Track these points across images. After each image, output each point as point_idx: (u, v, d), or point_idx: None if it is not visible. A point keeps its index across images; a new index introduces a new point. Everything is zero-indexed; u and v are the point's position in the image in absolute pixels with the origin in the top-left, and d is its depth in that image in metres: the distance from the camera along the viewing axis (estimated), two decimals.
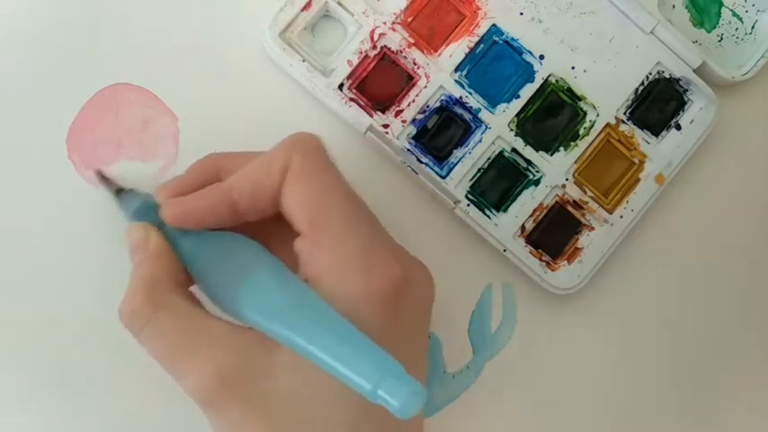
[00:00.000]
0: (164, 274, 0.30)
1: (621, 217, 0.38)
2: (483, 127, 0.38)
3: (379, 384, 0.25)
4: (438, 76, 0.37)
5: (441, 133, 0.37)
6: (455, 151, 0.37)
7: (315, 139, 0.31)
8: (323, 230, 0.29)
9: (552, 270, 0.38)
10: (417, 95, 0.37)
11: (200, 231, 0.31)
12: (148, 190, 0.33)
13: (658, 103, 0.39)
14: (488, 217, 0.38)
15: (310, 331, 0.27)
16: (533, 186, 0.38)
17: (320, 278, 0.29)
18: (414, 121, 0.37)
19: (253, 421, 0.28)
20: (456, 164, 0.37)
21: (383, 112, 0.37)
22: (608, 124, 0.38)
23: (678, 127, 0.39)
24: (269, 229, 0.31)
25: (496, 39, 0.38)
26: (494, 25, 0.38)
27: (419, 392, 0.25)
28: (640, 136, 0.39)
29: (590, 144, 0.38)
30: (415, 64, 0.37)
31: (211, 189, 0.30)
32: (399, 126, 0.37)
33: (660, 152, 0.39)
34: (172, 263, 0.30)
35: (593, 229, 0.39)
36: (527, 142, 0.38)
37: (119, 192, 0.34)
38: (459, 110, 0.38)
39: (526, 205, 0.38)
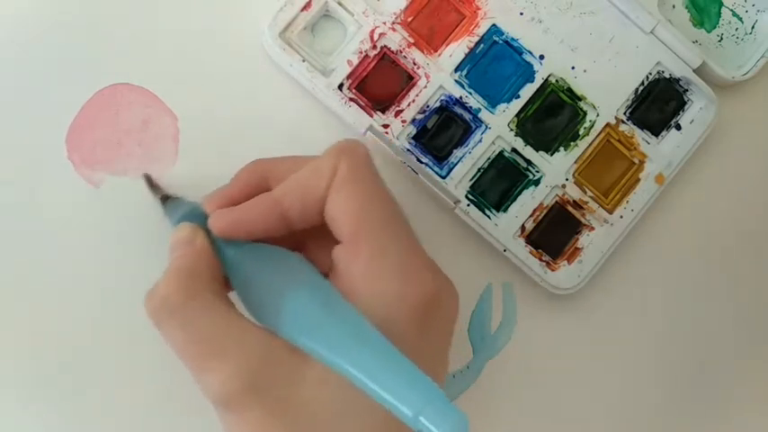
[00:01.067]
0: (203, 270, 0.29)
1: (621, 217, 0.38)
2: (483, 127, 0.38)
3: (421, 411, 0.24)
4: (438, 76, 0.37)
5: (441, 133, 0.37)
6: (455, 151, 0.37)
7: (361, 147, 0.30)
8: (363, 240, 0.29)
9: (552, 270, 0.38)
10: (417, 95, 0.37)
11: (244, 242, 0.30)
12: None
13: (658, 103, 0.39)
14: (488, 217, 0.38)
15: (352, 354, 0.26)
16: (533, 186, 0.38)
17: (357, 288, 0.29)
18: (414, 121, 0.37)
19: (273, 426, 0.27)
20: (456, 164, 0.37)
21: (383, 112, 0.37)
22: (608, 124, 0.38)
23: (678, 127, 0.39)
24: (307, 235, 0.31)
25: (496, 39, 0.38)
26: (494, 25, 0.38)
27: (463, 422, 0.24)
28: (640, 136, 0.39)
29: (590, 144, 0.38)
30: (414, 64, 0.37)
31: (261, 200, 0.30)
32: (399, 126, 0.37)
33: (660, 152, 0.39)
34: (214, 264, 0.30)
35: (593, 229, 0.39)
36: (527, 142, 0.38)
37: (165, 199, 0.33)
38: (459, 110, 0.38)
39: (526, 205, 0.38)
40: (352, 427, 0.28)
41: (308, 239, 0.32)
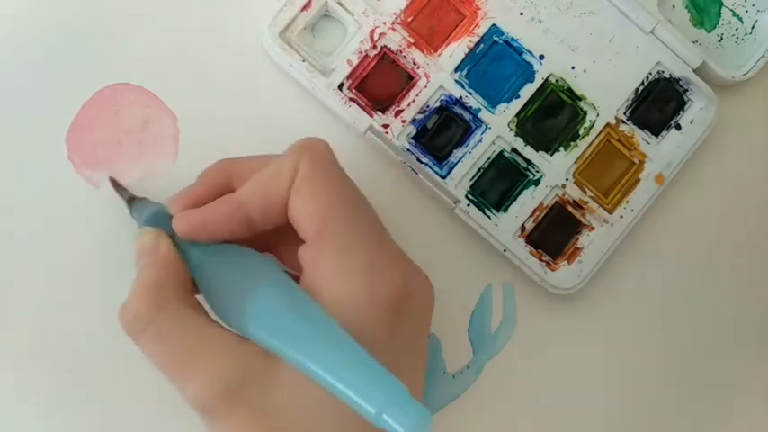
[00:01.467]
0: (171, 280, 0.29)
1: (621, 217, 0.38)
2: (483, 127, 0.38)
3: (385, 409, 0.25)
4: (438, 76, 0.37)
5: (441, 133, 0.37)
6: (455, 151, 0.37)
7: (322, 144, 0.30)
8: (327, 239, 0.29)
9: (552, 270, 0.38)
10: (417, 95, 0.37)
11: (209, 243, 0.30)
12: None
13: (658, 103, 0.39)
14: (488, 217, 0.38)
15: (316, 352, 0.26)
16: (533, 186, 0.38)
17: (323, 288, 0.29)
18: (414, 121, 0.37)
19: (253, 430, 0.27)
20: (456, 164, 0.37)
21: (383, 112, 0.37)
22: (608, 124, 0.38)
23: (678, 127, 0.39)
24: (276, 236, 0.31)
25: (496, 39, 0.38)
26: (494, 25, 0.38)
27: (426, 419, 0.25)
28: (640, 136, 0.39)
29: (590, 144, 0.38)
30: (414, 64, 0.37)
31: (223, 202, 0.30)
32: (399, 126, 0.37)
33: (660, 152, 0.39)
34: (180, 271, 0.30)
35: (593, 229, 0.39)
36: (527, 142, 0.38)
37: (131, 200, 0.34)
38: (459, 110, 0.38)
39: (526, 205, 0.38)
40: (328, 423, 0.28)
41: (277, 240, 0.31)
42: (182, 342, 0.28)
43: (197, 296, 0.31)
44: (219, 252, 0.30)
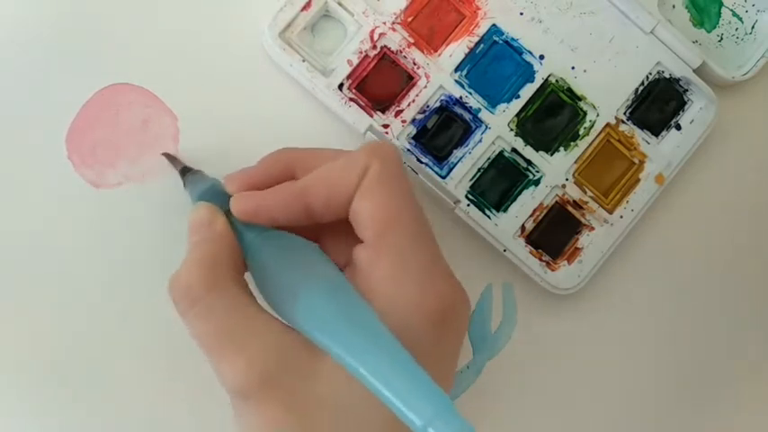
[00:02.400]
0: (225, 258, 0.29)
1: (621, 217, 0.38)
2: (483, 127, 0.38)
3: (431, 422, 0.24)
4: (438, 76, 0.37)
5: (441, 133, 0.37)
6: (455, 151, 0.37)
7: (394, 150, 0.30)
8: (387, 245, 0.29)
9: (552, 270, 0.38)
10: (417, 95, 0.37)
11: (264, 228, 0.30)
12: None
13: (658, 103, 0.39)
14: (488, 217, 0.38)
15: (365, 355, 0.26)
16: (533, 186, 0.38)
17: (377, 290, 0.29)
18: (414, 121, 0.37)
19: (287, 421, 0.27)
20: (456, 164, 0.37)
21: (383, 112, 0.37)
22: (608, 124, 0.38)
23: (678, 127, 0.39)
24: (326, 225, 0.31)
25: (496, 39, 0.38)
26: (494, 25, 0.38)
27: None
28: (640, 136, 0.39)
29: (590, 144, 0.38)
30: (414, 64, 0.37)
31: (286, 187, 0.30)
32: (399, 126, 0.37)
33: (660, 152, 0.39)
34: (235, 249, 0.30)
35: (593, 229, 0.39)
36: (527, 142, 0.38)
37: (185, 171, 0.33)
38: (459, 110, 0.38)
39: (526, 205, 0.38)
40: (363, 420, 0.27)
41: (325, 231, 0.31)
42: (227, 322, 0.28)
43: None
44: (274, 238, 0.30)
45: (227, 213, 0.30)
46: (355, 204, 0.29)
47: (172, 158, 0.35)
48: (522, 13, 0.38)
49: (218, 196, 0.31)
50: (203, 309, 0.28)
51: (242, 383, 0.27)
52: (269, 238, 0.30)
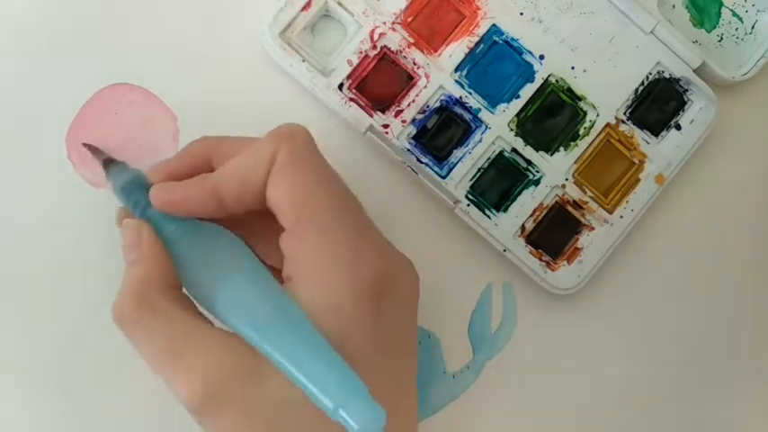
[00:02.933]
0: (155, 276, 0.29)
1: (621, 217, 0.38)
2: (483, 127, 0.38)
3: (342, 404, 0.25)
4: (438, 76, 0.37)
5: (441, 133, 0.37)
6: (455, 151, 0.37)
7: (301, 131, 0.30)
8: (308, 227, 0.29)
9: (552, 270, 0.38)
10: (417, 95, 0.37)
11: (184, 220, 0.30)
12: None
13: (658, 103, 0.39)
14: (488, 217, 0.38)
15: (280, 341, 0.27)
16: (533, 186, 0.38)
17: (305, 275, 0.29)
18: (414, 121, 0.37)
19: (243, 426, 0.27)
20: (456, 164, 0.37)
21: (383, 112, 0.37)
22: (608, 124, 0.38)
23: (678, 127, 0.39)
24: (255, 223, 0.31)
25: (496, 39, 0.38)
26: (494, 25, 0.38)
27: (379, 418, 0.25)
28: (640, 136, 0.39)
29: (590, 144, 0.38)
30: (414, 64, 0.37)
31: (199, 181, 0.30)
32: (399, 126, 0.37)
33: (660, 152, 0.39)
34: (164, 265, 0.30)
35: (593, 229, 0.39)
36: (527, 142, 0.38)
37: (107, 163, 0.33)
38: (459, 110, 0.38)
39: (526, 205, 0.38)
40: (319, 416, 0.27)
41: (253, 225, 0.31)
42: (167, 341, 0.28)
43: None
44: (194, 229, 0.30)
45: (149, 206, 0.31)
46: (269, 193, 0.29)
47: (94, 149, 0.34)
48: (522, 13, 0.38)
49: (140, 188, 0.31)
50: (141, 332, 0.29)
51: (192, 398, 0.27)
52: (189, 229, 0.30)
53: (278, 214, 0.29)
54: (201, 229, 0.30)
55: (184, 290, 0.30)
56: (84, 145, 0.35)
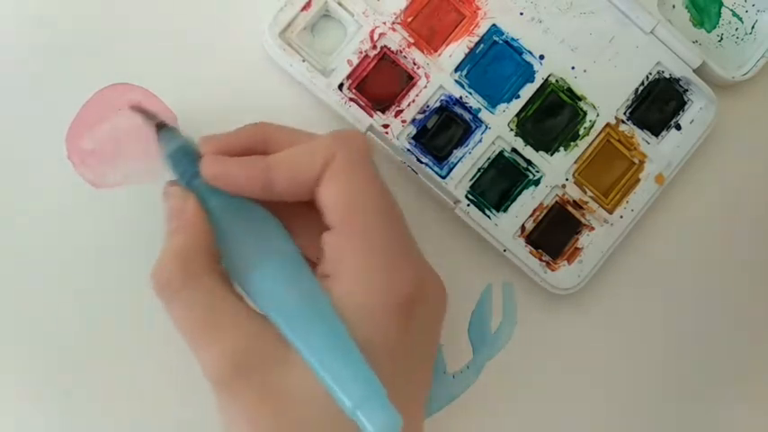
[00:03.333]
0: (198, 247, 0.30)
1: (621, 217, 0.38)
2: (483, 127, 0.38)
3: (360, 405, 0.26)
4: (438, 76, 0.37)
5: (441, 133, 0.37)
6: (455, 151, 0.37)
7: (361, 138, 0.31)
8: (354, 229, 0.29)
9: (552, 270, 0.38)
10: (417, 95, 0.37)
11: (230, 195, 0.31)
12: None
13: (658, 103, 0.39)
14: (488, 217, 0.38)
15: (307, 335, 0.27)
16: (533, 186, 0.38)
17: (341, 277, 0.29)
18: (414, 121, 0.37)
19: (261, 409, 0.28)
20: (456, 164, 0.37)
21: (383, 112, 0.37)
22: (608, 124, 0.38)
23: (678, 127, 0.39)
24: (298, 211, 0.31)
25: (496, 39, 0.38)
26: (494, 25, 0.38)
27: (396, 423, 0.25)
28: (640, 136, 0.39)
29: (590, 144, 0.38)
30: (414, 64, 0.37)
31: (254, 161, 0.30)
32: (399, 126, 0.37)
33: (660, 152, 0.39)
34: (208, 238, 0.30)
35: (593, 229, 0.39)
36: (527, 142, 0.38)
37: (159, 127, 0.33)
38: (459, 110, 0.38)
39: (526, 205, 0.38)
40: (333, 411, 0.28)
41: (295, 215, 0.31)
42: (204, 312, 0.29)
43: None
44: (238, 206, 0.30)
45: (196, 176, 0.31)
46: (321, 191, 0.30)
47: (144, 111, 0.34)
48: (522, 13, 0.38)
49: (189, 156, 0.31)
50: (181, 301, 0.29)
51: (217, 372, 0.28)
52: (232, 205, 0.30)
53: (325, 212, 0.30)
54: (245, 207, 0.30)
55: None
56: (134, 108, 0.34)
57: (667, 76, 0.39)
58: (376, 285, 0.29)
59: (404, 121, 0.37)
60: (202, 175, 0.30)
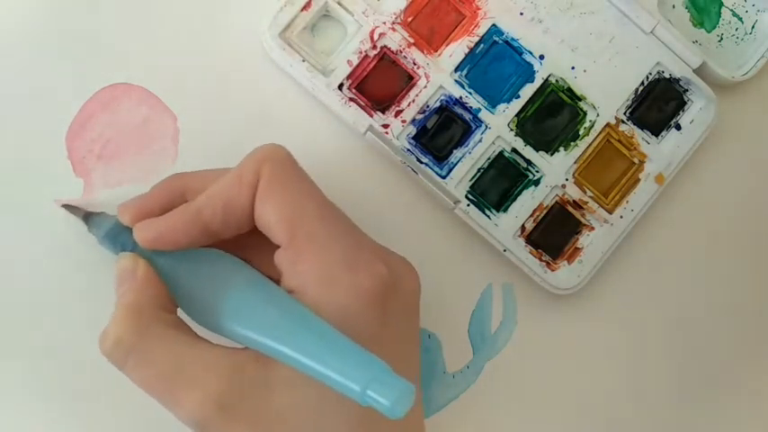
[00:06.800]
0: (150, 302, 0.29)
1: (621, 217, 0.38)
2: (483, 127, 0.38)
3: (368, 386, 0.25)
4: (438, 76, 0.37)
5: (441, 133, 0.37)
6: (455, 151, 0.37)
7: (281, 150, 0.30)
8: (303, 241, 0.29)
9: (552, 270, 0.38)
10: (417, 95, 0.37)
11: (174, 252, 0.30)
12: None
13: (658, 103, 0.39)
14: (488, 217, 0.38)
15: (295, 340, 0.27)
16: (533, 186, 0.38)
17: (306, 288, 0.29)
18: (413, 121, 0.37)
19: None
20: (456, 164, 0.37)
21: (383, 112, 0.37)
22: (608, 124, 0.38)
23: (678, 127, 0.39)
24: (246, 243, 0.31)
25: (496, 39, 0.38)
26: (494, 25, 0.38)
27: (408, 390, 0.25)
28: (640, 136, 0.39)
29: (590, 144, 0.38)
30: (414, 64, 0.37)
31: (182, 210, 0.30)
32: (399, 126, 0.37)
33: (660, 152, 0.39)
34: (159, 291, 0.30)
35: (593, 229, 0.39)
36: (527, 142, 0.38)
37: (87, 216, 0.33)
38: (459, 110, 0.37)
39: (526, 205, 0.38)
40: (326, 421, 0.28)
41: (251, 249, 0.31)
42: (167, 364, 0.28)
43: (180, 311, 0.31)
44: (185, 257, 0.30)
45: (135, 246, 0.31)
46: (258, 213, 0.29)
47: (71, 207, 0.34)
48: (522, 13, 0.38)
49: (122, 233, 0.31)
50: (140, 356, 0.28)
51: (201, 416, 0.27)
52: (181, 259, 0.30)
53: (270, 233, 0.29)
54: (193, 254, 0.30)
55: (179, 313, 0.30)
56: (63, 205, 0.34)
57: (667, 76, 0.39)
58: (342, 288, 0.28)
59: (404, 121, 0.37)
60: (139, 243, 0.30)
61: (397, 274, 0.30)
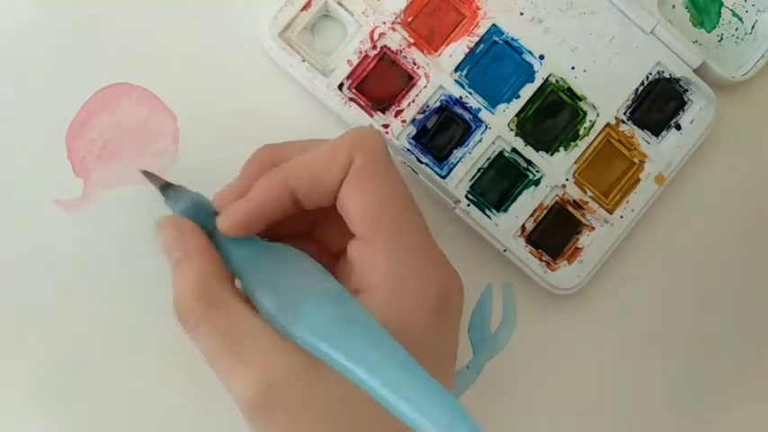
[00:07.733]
0: (212, 270, 0.29)
1: (622, 217, 0.38)
2: (483, 127, 0.38)
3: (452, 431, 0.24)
4: (438, 76, 0.37)
5: (441, 133, 0.37)
6: (455, 151, 0.37)
7: (378, 138, 0.30)
8: (380, 238, 0.29)
9: (552, 270, 0.38)
10: (417, 95, 0.37)
11: (254, 242, 0.30)
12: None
13: (658, 103, 0.39)
14: (488, 217, 0.38)
15: (377, 366, 0.26)
16: (533, 186, 0.38)
17: (376, 288, 0.28)
18: (414, 120, 0.37)
19: (303, 425, 0.27)
20: (456, 164, 0.37)
21: (383, 112, 0.37)
22: (608, 124, 0.38)
23: (678, 127, 0.39)
24: (317, 216, 0.31)
25: (496, 39, 0.38)
26: (494, 25, 0.38)
27: None
28: (640, 136, 0.39)
29: (590, 144, 0.38)
30: (414, 64, 0.37)
31: (267, 178, 0.29)
32: (399, 126, 0.37)
33: (660, 152, 0.39)
34: (217, 260, 0.29)
35: (593, 229, 0.39)
36: (527, 142, 0.38)
37: (164, 187, 0.32)
38: (459, 110, 0.37)
39: (526, 205, 0.38)
40: (375, 411, 0.27)
41: (317, 220, 0.31)
42: (230, 337, 0.28)
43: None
44: (265, 252, 0.30)
45: (214, 231, 0.30)
46: (342, 199, 0.29)
47: (150, 175, 0.33)
48: (522, 13, 0.38)
49: (202, 212, 0.30)
50: (206, 327, 0.28)
51: (250, 395, 0.27)
52: (260, 253, 0.30)
53: (349, 220, 0.29)
54: (273, 250, 0.30)
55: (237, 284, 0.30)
56: (142, 171, 0.33)
57: (667, 76, 0.39)
58: (411, 293, 0.28)
59: (404, 121, 0.37)
60: (223, 231, 0.29)
61: (452, 285, 0.30)
